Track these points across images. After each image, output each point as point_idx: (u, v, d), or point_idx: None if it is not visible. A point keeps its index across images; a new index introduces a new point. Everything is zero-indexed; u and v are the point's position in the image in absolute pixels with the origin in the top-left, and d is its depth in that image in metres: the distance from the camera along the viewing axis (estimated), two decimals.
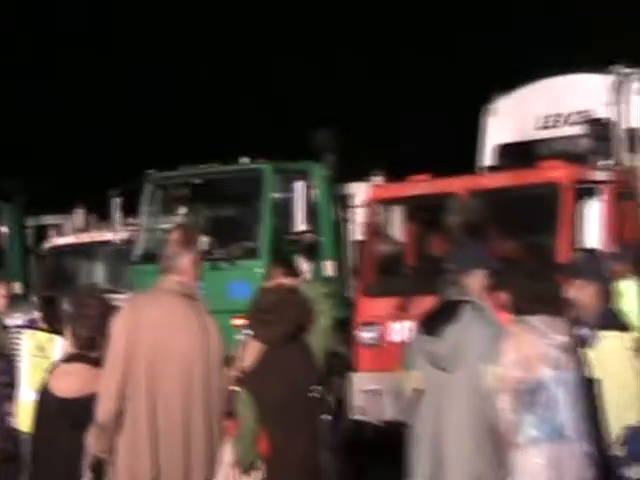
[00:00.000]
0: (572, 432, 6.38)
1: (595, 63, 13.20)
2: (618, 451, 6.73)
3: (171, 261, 6.50)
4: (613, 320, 7.13)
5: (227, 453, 7.35)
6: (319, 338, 7.02)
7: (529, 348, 6.40)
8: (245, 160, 14.26)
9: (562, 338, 6.44)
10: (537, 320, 6.44)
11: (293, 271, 8.64)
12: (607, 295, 7.23)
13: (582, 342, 6.77)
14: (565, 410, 6.40)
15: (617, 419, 6.75)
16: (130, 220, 15.64)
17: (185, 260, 6.50)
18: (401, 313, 11.82)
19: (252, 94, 28.96)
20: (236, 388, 6.91)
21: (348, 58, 29.16)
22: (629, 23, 24.07)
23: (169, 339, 6.44)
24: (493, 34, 27.70)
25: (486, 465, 6.65)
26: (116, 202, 15.21)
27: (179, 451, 6.47)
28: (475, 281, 7.01)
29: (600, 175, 12.03)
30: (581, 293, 7.09)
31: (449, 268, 7.13)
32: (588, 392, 6.59)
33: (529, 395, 6.38)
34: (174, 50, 29.63)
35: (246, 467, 6.82)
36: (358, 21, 30.07)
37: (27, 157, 26.86)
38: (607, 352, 6.92)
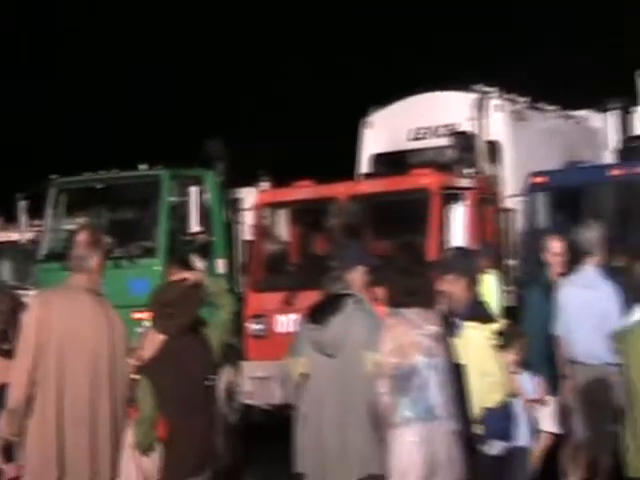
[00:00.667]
0: (442, 412, 6.47)
1: (461, 82, 13.37)
2: (478, 430, 6.86)
3: (80, 261, 6.46)
4: (477, 311, 7.27)
5: (129, 436, 7.36)
6: (218, 331, 7.01)
7: (404, 337, 6.48)
8: (144, 167, 14.16)
9: (433, 328, 6.53)
10: (410, 312, 6.53)
11: (188, 268, 8.61)
12: (474, 288, 7.38)
13: (451, 331, 6.90)
14: (436, 393, 6.49)
15: (479, 402, 6.88)
16: (36, 222, 15.41)
17: (93, 260, 6.47)
18: (286, 306, 11.87)
19: None
20: (137, 376, 6.88)
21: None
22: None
23: (78, 330, 6.40)
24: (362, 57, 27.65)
25: (366, 443, 6.72)
26: (22, 205, 14.96)
27: (86, 434, 6.46)
28: (356, 277, 7.11)
29: (464, 182, 12.19)
30: (452, 286, 7.21)
31: (332, 265, 7.21)
32: (456, 377, 6.69)
33: (404, 380, 6.46)
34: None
35: (144, 449, 6.78)
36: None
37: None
38: (470, 341, 7.05)
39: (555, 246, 9.27)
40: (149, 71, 28.49)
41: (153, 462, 6.88)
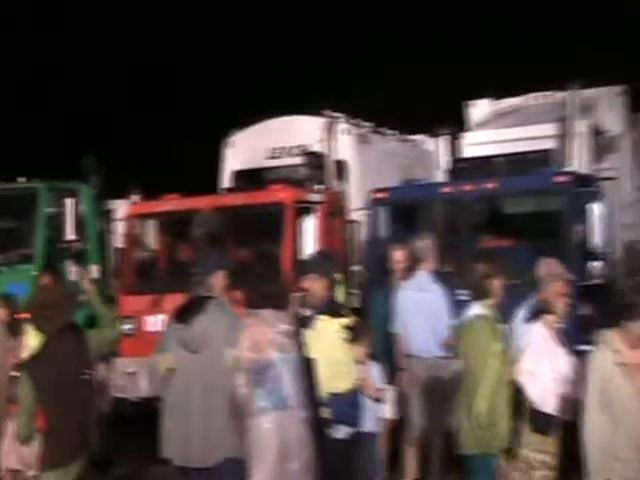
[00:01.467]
0: (294, 402, 6.57)
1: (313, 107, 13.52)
2: (326, 414, 6.92)
3: None
4: (330, 307, 7.38)
5: (10, 428, 7.27)
6: (100, 330, 7.00)
7: (259, 335, 6.54)
8: (22, 179, 13.91)
9: (285, 327, 6.61)
10: (266, 313, 6.62)
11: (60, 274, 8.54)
12: (331, 287, 7.51)
13: (305, 324, 7.02)
14: (288, 385, 6.58)
15: (327, 388, 6.99)
16: None
17: None
18: (154, 308, 11.82)
19: None
20: (17, 373, 6.81)
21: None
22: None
23: None
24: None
25: (226, 429, 6.76)
26: None
27: None
28: (216, 281, 7.14)
29: (315, 197, 12.28)
30: (312, 284, 7.33)
31: (195, 271, 7.26)
32: (306, 370, 6.79)
33: (260, 373, 6.52)
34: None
35: (24, 439, 6.72)
36: None
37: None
38: (321, 332, 7.15)
39: (397, 255, 9.49)
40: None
41: (32, 451, 6.83)
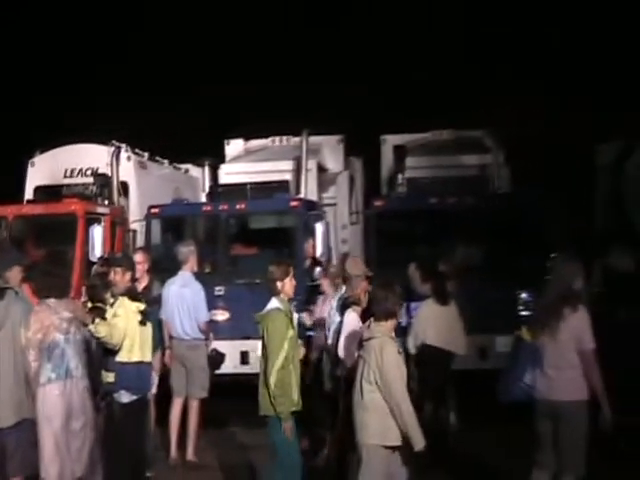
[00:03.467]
0: (77, 373, 6.50)
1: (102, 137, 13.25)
2: (110, 378, 6.90)
3: None
4: (131, 291, 7.25)
5: None
6: None
7: (46, 320, 6.45)
8: None
9: (67, 314, 6.54)
10: (52, 302, 6.52)
11: None
12: (131, 278, 7.36)
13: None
14: (71, 360, 6.50)
15: (118, 357, 6.94)
16: None
17: None
18: None
19: None
20: None
21: None
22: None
23: None
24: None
25: (23, 396, 6.58)
26: None
27: None
28: (13, 275, 6.94)
29: (102, 209, 12.06)
30: (117, 276, 7.22)
31: None
32: (88, 347, 6.73)
33: (47, 350, 6.42)
34: None
35: None
36: None
37: None
38: (123, 307, 7.04)
39: (136, 256, 8.95)
40: None
41: None
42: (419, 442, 5.70)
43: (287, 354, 6.39)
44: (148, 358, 7.18)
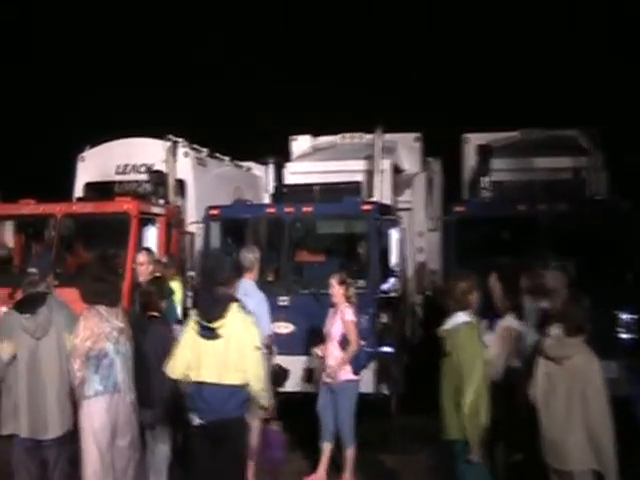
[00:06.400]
0: (124, 387, 6.45)
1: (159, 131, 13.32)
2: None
3: None
4: None
5: None
6: None
7: (96, 328, 6.41)
8: None
9: (119, 323, 6.50)
10: (101, 309, 6.47)
11: None
12: None
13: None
14: (119, 372, 6.46)
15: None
16: None
17: None
18: (9, 301, 11.29)
19: None
20: None
21: None
22: None
23: None
24: None
25: (68, 407, 6.54)
26: None
27: None
28: (51, 280, 6.96)
29: (157, 209, 12.12)
30: None
31: (31, 271, 6.96)
32: (134, 359, 6.67)
33: (95, 360, 6.38)
34: None
35: None
36: None
37: None
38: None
39: (139, 257, 8.96)
40: None
41: None
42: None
43: (481, 373, 6.18)
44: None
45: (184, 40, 27.86)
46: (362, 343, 8.83)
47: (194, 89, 25.87)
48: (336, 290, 8.68)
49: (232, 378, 6.07)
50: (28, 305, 6.72)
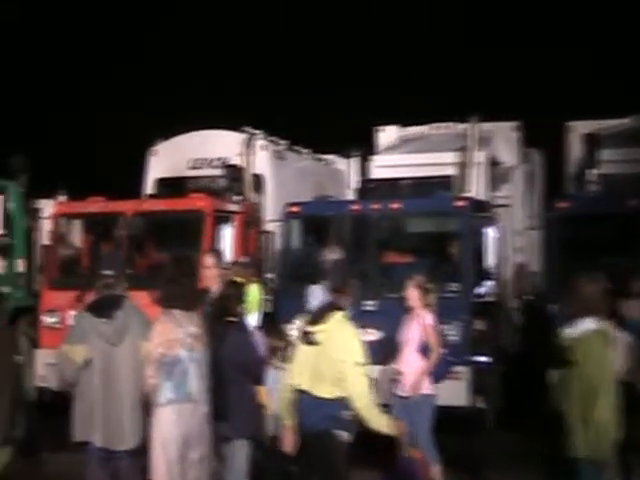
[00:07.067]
0: (197, 396, 6.45)
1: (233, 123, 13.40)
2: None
3: None
4: None
5: None
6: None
7: (170, 333, 6.43)
8: None
9: (194, 329, 6.51)
10: (177, 313, 6.49)
11: None
12: None
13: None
14: (193, 380, 6.47)
15: None
16: None
17: None
18: (77, 303, 11.49)
19: None
20: None
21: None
22: None
23: None
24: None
25: (142, 416, 6.59)
26: None
27: None
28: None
29: (233, 207, 12.17)
30: None
31: (105, 272, 6.98)
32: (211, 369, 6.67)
33: (168, 367, 6.40)
34: None
35: None
36: None
37: None
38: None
39: (206, 260, 8.97)
40: None
41: None
42: None
43: (615, 386, 6.15)
44: None
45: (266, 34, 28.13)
46: (444, 351, 8.68)
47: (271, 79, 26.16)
48: (412, 293, 8.53)
49: (323, 391, 6.12)
50: (104, 308, 6.74)
